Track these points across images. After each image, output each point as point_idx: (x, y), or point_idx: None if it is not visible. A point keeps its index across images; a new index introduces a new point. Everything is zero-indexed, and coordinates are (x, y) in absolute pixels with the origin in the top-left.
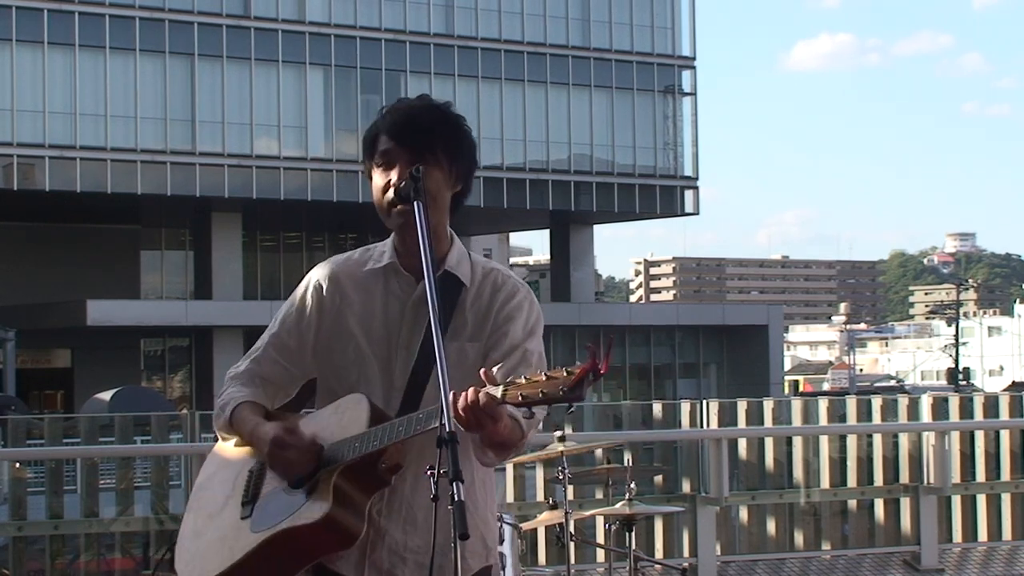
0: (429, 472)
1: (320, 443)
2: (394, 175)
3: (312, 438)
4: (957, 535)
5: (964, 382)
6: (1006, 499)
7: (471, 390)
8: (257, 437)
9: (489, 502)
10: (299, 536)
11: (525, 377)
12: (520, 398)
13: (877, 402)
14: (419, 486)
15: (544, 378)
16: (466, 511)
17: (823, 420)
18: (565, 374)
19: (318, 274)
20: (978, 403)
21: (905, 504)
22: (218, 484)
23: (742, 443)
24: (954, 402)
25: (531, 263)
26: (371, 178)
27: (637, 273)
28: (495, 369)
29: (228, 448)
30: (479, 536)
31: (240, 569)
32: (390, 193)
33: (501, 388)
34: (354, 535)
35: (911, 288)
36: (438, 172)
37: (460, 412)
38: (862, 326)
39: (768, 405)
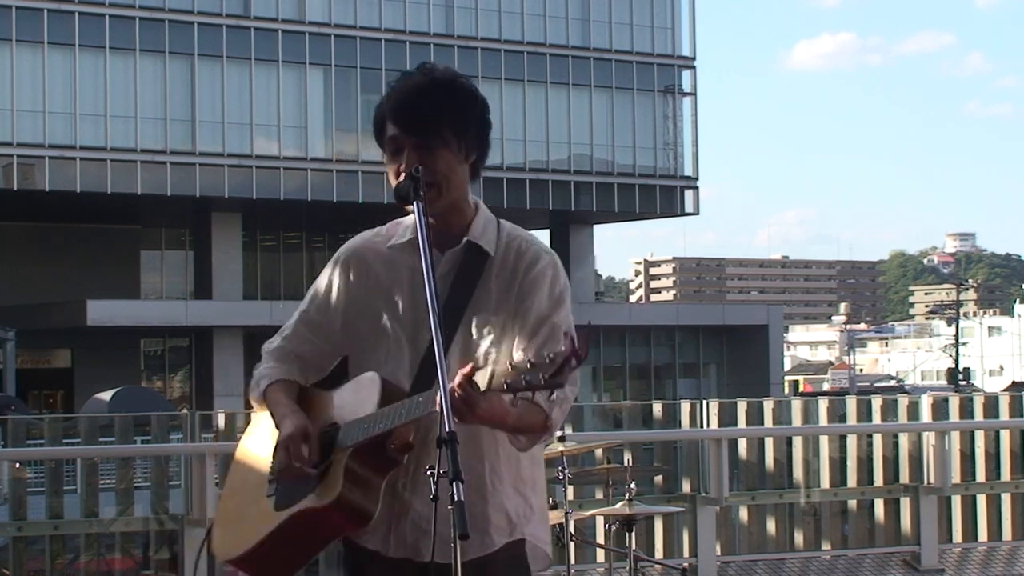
0: (429, 472)
1: (336, 423)
2: (404, 164)
3: (315, 446)
4: (957, 535)
5: (964, 382)
6: (1006, 499)
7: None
8: (279, 427)
9: (514, 476)
10: (311, 518)
11: (510, 364)
12: (505, 386)
13: (877, 402)
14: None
15: (528, 366)
16: (486, 493)
17: (823, 420)
18: (548, 361)
19: (346, 251)
20: (978, 403)
21: (905, 504)
22: (253, 459)
23: (742, 443)
24: (954, 402)
25: None
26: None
27: (637, 273)
28: (522, 349)
29: (265, 420)
30: (502, 511)
31: (261, 548)
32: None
33: (488, 375)
34: (367, 516)
35: (911, 288)
36: (447, 152)
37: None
38: (862, 326)
39: (768, 405)
